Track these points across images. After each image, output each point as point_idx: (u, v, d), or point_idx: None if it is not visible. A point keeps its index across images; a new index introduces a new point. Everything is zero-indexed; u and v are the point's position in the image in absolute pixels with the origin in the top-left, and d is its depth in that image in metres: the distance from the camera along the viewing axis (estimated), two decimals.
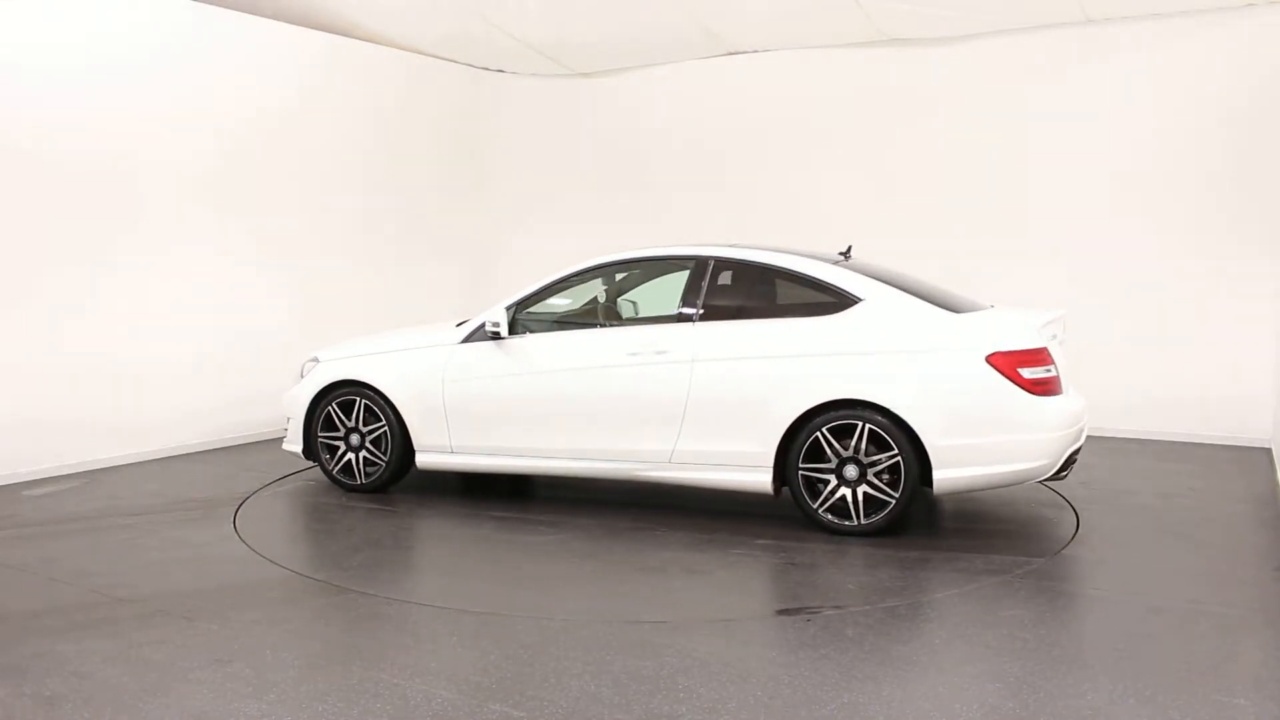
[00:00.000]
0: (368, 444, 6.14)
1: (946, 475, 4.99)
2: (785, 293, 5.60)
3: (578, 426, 5.65)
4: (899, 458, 5.00)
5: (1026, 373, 4.94)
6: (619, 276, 6.18)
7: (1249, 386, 7.28)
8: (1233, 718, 3.16)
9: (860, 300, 5.26)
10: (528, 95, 9.98)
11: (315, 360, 6.38)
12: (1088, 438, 5.52)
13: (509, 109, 10.05)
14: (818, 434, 5.12)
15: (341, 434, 6.21)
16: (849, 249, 5.86)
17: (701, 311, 5.52)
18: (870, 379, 5.06)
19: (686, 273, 5.70)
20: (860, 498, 5.10)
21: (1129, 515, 5.57)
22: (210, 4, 7.55)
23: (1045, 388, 5.00)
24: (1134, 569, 4.65)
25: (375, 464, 6.13)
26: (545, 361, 5.74)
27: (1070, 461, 5.21)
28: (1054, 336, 5.25)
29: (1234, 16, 7.25)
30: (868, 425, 5.04)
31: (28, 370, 6.50)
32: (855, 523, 5.12)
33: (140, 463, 7.06)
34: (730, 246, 5.80)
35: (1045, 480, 5.19)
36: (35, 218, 6.55)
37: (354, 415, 6.14)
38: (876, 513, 5.09)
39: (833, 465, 5.13)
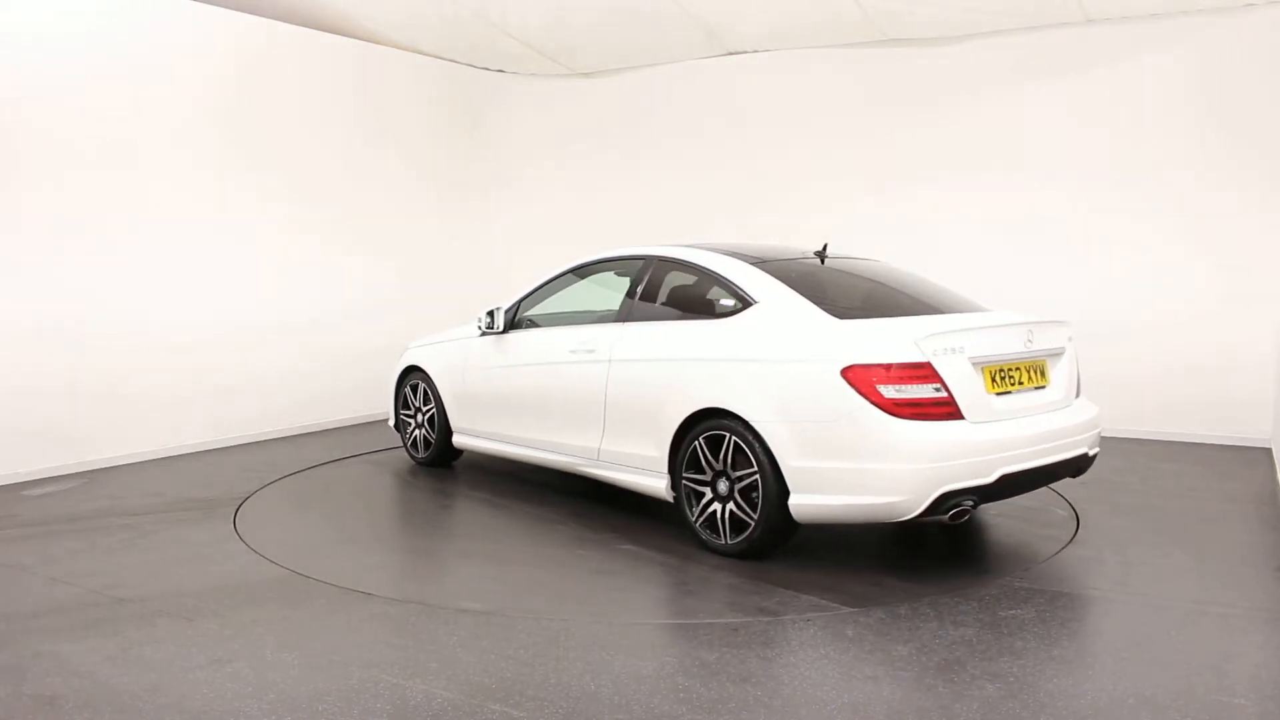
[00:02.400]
0: (425, 422, 6.90)
1: (802, 501, 4.47)
2: (706, 293, 5.39)
3: (536, 418, 5.92)
4: (758, 476, 4.59)
5: (888, 391, 4.27)
6: (595, 277, 6.18)
7: (1249, 387, 7.29)
8: (1233, 718, 3.16)
9: (756, 302, 4.89)
10: (528, 95, 9.98)
11: (409, 347, 7.20)
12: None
13: (509, 109, 10.04)
14: (696, 443, 4.87)
15: (411, 413, 7.03)
16: (825, 246, 5.56)
17: (632, 311, 5.48)
18: (736, 388, 4.67)
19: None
20: (727, 515, 4.76)
21: (1129, 515, 5.57)
22: (214, 4, 7.55)
23: (918, 410, 4.27)
24: (1134, 569, 4.65)
25: (430, 441, 6.90)
26: (519, 357, 6.09)
27: (967, 501, 4.33)
28: (952, 350, 4.39)
29: (1234, 16, 7.25)
30: (734, 439, 4.67)
31: (27, 370, 6.51)
32: (724, 542, 4.76)
33: (140, 463, 7.06)
34: (679, 246, 5.62)
35: (917, 519, 4.31)
36: (31, 218, 6.56)
37: (419, 396, 6.94)
38: (739, 533, 4.70)
39: (708, 478, 4.84)
